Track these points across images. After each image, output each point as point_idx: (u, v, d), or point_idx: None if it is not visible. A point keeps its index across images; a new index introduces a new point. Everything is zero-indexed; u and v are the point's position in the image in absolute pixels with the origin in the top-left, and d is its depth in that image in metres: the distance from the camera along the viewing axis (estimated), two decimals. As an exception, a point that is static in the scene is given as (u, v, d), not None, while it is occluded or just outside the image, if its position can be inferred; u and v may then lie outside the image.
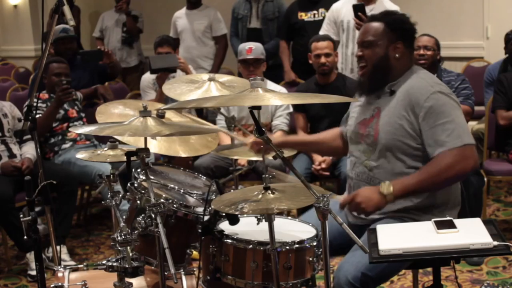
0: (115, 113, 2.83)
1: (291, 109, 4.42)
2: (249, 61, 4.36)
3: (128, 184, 2.47)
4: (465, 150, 2.38)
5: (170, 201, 2.43)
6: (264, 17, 5.68)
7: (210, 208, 2.31)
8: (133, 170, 2.58)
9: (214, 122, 4.71)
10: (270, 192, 2.16)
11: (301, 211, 4.02)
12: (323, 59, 4.25)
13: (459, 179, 2.50)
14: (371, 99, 2.62)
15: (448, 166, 2.36)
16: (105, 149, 2.82)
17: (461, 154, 2.37)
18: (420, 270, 3.40)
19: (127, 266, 2.20)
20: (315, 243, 2.31)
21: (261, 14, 5.69)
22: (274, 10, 5.68)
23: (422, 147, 2.46)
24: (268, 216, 2.11)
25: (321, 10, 5.36)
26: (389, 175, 2.48)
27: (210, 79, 3.07)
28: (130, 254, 2.20)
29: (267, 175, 2.18)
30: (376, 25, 2.59)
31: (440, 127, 2.40)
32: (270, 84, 4.42)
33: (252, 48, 4.40)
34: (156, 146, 2.71)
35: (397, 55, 2.55)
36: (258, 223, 2.23)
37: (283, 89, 4.50)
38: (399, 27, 2.57)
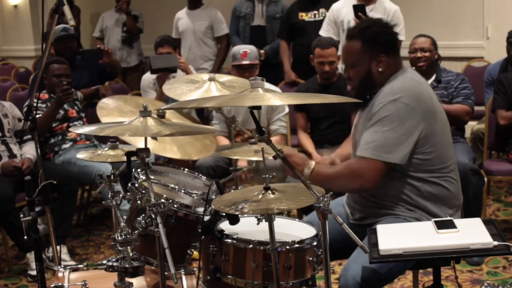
0: (115, 107, 2.83)
1: (287, 111, 4.39)
2: (243, 66, 4.27)
3: (129, 184, 2.47)
4: (368, 164, 2.40)
5: (171, 201, 2.43)
6: (269, 16, 5.70)
7: (210, 208, 2.31)
8: (133, 170, 2.58)
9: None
10: (270, 192, 2.16)
11: (301, 211, 4.05)
12: (327, 68, 4.24)
13: (352, 190, 2.57)
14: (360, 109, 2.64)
15: (351, 174, 2.43)
16: (106, 149, 2.82)
17: (361, 169, 2.41)
18: (420, 270, 3.39)
19: (127, 266, 2.20)
20: (315, 243, 2.32)
21: (266, 12, 5.70)
22: (278, 10, 5.71)
23: None
24: (268, 216, 2.11)
25: (322, 10, 5.36)
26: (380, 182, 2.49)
27: (210, 79, 3.07)
28: (131, 254, 2.20)
29: (267, 175, 2.18)
30: (353, 44, 2.57)
31: (368, 131, 2.44)
32: (265, 85, 4.38)
33: (247, 52, 4.29)
34: (171, 151, 2.72)
35: (380, 69, 2.53)
36: (258, 223, 2.23)
37: (277, 90, 4.48)
38: (376, 41, 2.54)
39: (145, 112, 2.32)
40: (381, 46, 2.53)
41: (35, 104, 2.79)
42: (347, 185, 2.51)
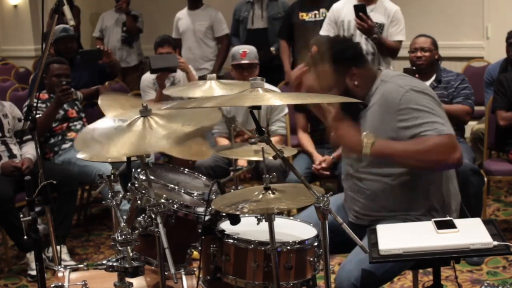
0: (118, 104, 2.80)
1: (286, 111, 4.39)
2: (243, 66, 4.27)
3: (129, 184, 2.47)
4: (451, 138, 2.36)
5: (171, 201, 2.43)
6: (270, 16, 5.68)
7: (210, 208, 2.31)
8: (133, 170, 2.58)
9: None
10: (270, 192, 2.16)
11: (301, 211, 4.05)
12: None
13: (440, 165, 2.42)
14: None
15: (434, 148, 2.33)
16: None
17: (449, 142, 2.35)
18: (420, 270, 3.39)
19: (127, 266, 2.20)
20: (316, 243, 2.32)
21: (266, 13, 5.69)
22: (279, 10, 5.69)
23: None
24: (268, 216, 2.11)
25: (322, 10, 5.35)
26: (377, 185, 2.49)
27: (210, 80, 3.07)
28: (131, 254, 2.20)
29: (267, 175, 2.18)
30: (322, 68, 2.55)
31: (420, 122, 2.37)
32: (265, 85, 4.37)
33: (247, 52, 4.29)
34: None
35: (356, 82, 2.54)
36: (258, 223, 2.23)
37: (277, 90, 4.47)
38: (342, 57, 2.53)
39: (145, 112, 2.32)
40: (349, 61, 2.54)
41: (35, 104, 2.79)
42: (433, 159, 2.35)
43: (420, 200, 2.48)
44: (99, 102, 2.64)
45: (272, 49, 5.58)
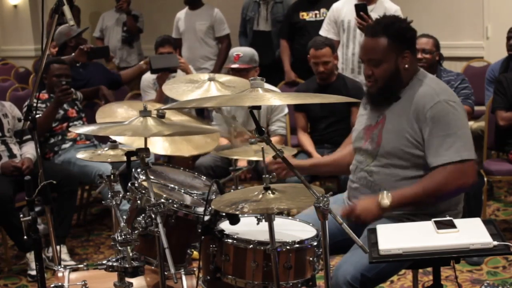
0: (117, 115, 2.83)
1: (286, 111, 4.38)
2: (235, 69, 4.25)
3: (129, 184, 2.47)
4: (463, 166, 2.38)
5: (170, 201, 2.43)
6: (274, 19, 5.66)
7: (210, 208, 2.32)
8: (133, 170, 2.58)
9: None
10: (270, 192, 2.16)
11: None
12: (321, 68, 4.23)
13: (456, 194, 2.50)
14: (378, 106, 2.61)
15: (444, 182, 2.37)
16: (106, 149, 2.82)
17: (458, 170, 2.38)
18: (420, 270, 3.39)
19: (127, 266, 2.20)
20: (315, 243, 2.32)
21: (271, 16, 5.67)
22: (283, 12, 5.67)
23: (424, 154, 2.45)
24: (268, 216, 2.11)
25: (323, 10, 5.35)
26: (388, 182, 2.49)
27: (210, 79, 3.07)
28: (130, 254, 2.20)
29: (267, 175, 2.18)
30: (380, 40, 2.52)
31: (441, 139, 2.40)
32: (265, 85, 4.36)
33: (240, 56, 4.27)
34: (162, 148, 2.72)
35: (406, 66, 2.52)
36: (258, 223, 2.23)
37: (277, 90, 4.47)
38: (403, 37, 2.53)
39: (145, 112, 2.33)
40: (406, 43, 2.54)
41: (35, 104, 2.79)
42: (448, 191, 2.41)
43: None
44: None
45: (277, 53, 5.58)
